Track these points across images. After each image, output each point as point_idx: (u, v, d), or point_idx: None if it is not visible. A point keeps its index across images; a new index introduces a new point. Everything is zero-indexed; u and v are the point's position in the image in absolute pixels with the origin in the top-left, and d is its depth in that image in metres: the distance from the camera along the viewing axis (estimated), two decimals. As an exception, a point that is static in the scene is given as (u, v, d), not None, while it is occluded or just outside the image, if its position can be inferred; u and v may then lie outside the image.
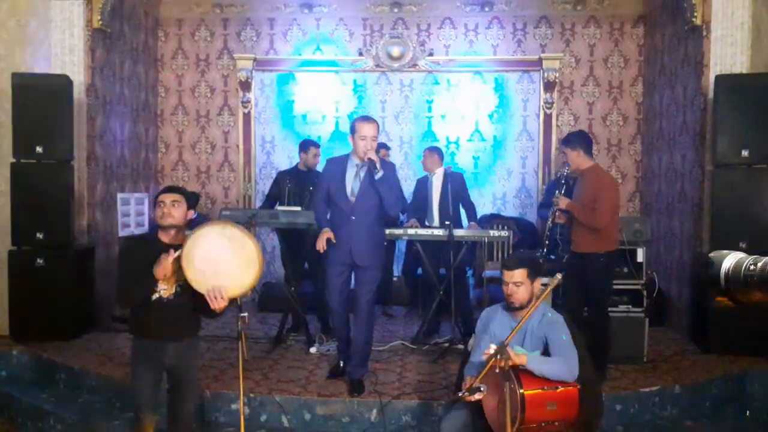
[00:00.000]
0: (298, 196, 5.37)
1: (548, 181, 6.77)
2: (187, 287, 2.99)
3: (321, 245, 4.02)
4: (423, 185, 5.68)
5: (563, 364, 2.81)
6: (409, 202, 5.98)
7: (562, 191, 4.31)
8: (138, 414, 3.12)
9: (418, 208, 5.62)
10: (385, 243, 4.44)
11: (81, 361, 4.67)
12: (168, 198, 3.07)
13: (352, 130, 4.01)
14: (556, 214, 4.31)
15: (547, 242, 4.35)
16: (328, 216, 4.17)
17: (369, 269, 4.07)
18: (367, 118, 4.06)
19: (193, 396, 3.29)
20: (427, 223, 5.46)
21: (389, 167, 4.14)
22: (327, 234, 4.02)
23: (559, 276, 2.63)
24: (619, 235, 4.36)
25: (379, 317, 6.20)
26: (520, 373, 2.74)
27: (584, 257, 4.15)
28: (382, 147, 6.02)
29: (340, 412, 3.97)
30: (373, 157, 3.90)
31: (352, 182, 4.04)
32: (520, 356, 2.80)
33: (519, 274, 2.99)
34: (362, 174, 4.03)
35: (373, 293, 4.11)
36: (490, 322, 3.15)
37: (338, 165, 4.13)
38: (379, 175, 3.90)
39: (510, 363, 2.68)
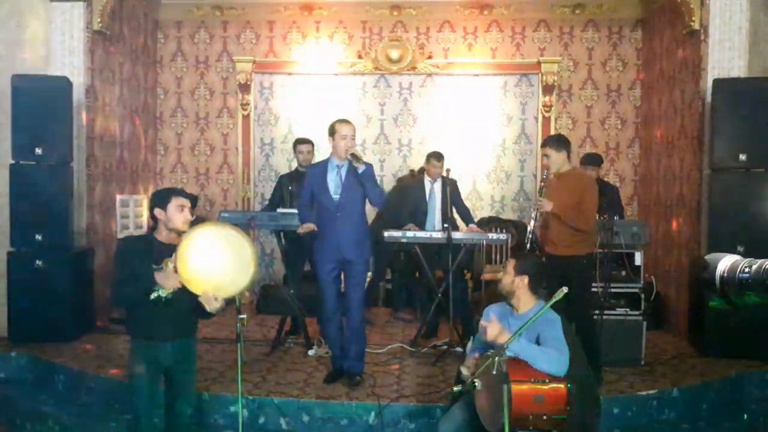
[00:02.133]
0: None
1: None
2: (185, 287, 2.99)
3: (302, 230, 4.31)
4: (417, 190, 5.63)
5: (549, 354, 2.82)
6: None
7: (542, 194, 4.30)
8: (136, 416, 3.13)
9: (414, 214, 5.58)
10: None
11: (79, 362, 4.67)
12: (188, 204, 3.09)
13: (332, 132, 4.23)
14: (536, 217, 4.30)
15: (528, 245, 4.33)
16: (314, 218, 4.35)
17: (357, 264, 4.21)
18: (345, 120, 4.30)
19: (191, 398, 3.29)
20: (427, 229, 5.45)
21: (368, 166, 4.26)
22: (310, 226, 4.25)
23: (565, 289, 2.66)
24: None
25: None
26: (508, 367, 2.75)
27: (566, 259, 4.16)
28: None
29: (339, 415, 3.98)
30: (356, 151, 4.14)
31: (334, 181, 4.22)
32: (503, 334, 2.87)
33: (509, 263, 3.16)
34: (343, 173, 4.21)
35: (362, 287, 4.27)
36: (491, 314, 3.22)
37: (319, 169, 4.33)
38: (361, 168, 4.10)
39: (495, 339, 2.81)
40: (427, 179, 5.61)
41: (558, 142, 4.34)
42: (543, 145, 4.38)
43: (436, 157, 5.58)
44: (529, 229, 4.33)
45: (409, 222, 5.45)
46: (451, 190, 5.40)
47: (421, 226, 5.44)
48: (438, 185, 5.53)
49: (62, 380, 4.61)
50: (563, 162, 4.29)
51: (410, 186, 5.80)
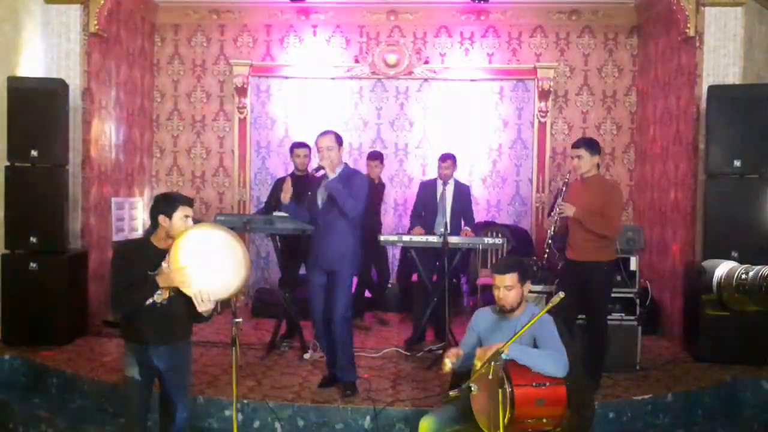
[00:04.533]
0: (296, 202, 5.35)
1: (549, 189, 6.82)
2: (181, 291, 2.99)
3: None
4: (430, 191, 5.62)
5: (548, 357, 2.83)
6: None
7: (563, 198, 4.18)
8: (130, 420, 3.12)
9: (424, 215, 5.58)
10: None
11: (73, 366, 4.65)
12: (191, 213, 3.11)
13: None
14: (557, 221, 4.17)
15: (548, 250, 4.22)
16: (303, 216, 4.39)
17: (338, 274, 4.18)
18: (322, 132, 4.28)
19: (186, 402, 3.28)
20: (435, 231, 5.45)
21: (358, 177, 4.28)
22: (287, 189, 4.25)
23: (561, 294, 2.67)
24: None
25: (375, 325, 6.19)
26: (509, 369, 2.75)
27: (586, 266, 4.11)
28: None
29: (334, 419, 3.97)
30: (322, 163, 4.15)
31: (321, 194, 4.26)
32: (495, 347, 2.84)
33: (510, 279, 3.07)
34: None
35: (344, 299, 4.19)
36: (480, 323, 3.24)
37: (317, 181, 4.34)
38: (330, 177, 4.12)
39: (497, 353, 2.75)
40: (439, 181, 5.62)
41: (592, 145, 4.23)
42: (577, 146, 4.22)
43: (442, 157, 5.59)
44: (549, 233, 4.17)
45: (417, 223, 5.46)
46: (463, 194, 5.46)
47: (430, 227, 5.45)
48: (450, 188, 5.54)
49: (55, 384, 4.59)
50: (592, 166, 4.20)
51: (426, 182, 5.79)
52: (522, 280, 3.09)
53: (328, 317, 4.27)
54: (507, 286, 3.06)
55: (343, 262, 4.20)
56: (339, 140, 4.24)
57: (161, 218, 3.06)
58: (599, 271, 4.13)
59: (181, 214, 3.06)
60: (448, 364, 3.03)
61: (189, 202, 3.14)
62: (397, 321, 6.41)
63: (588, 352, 4.05)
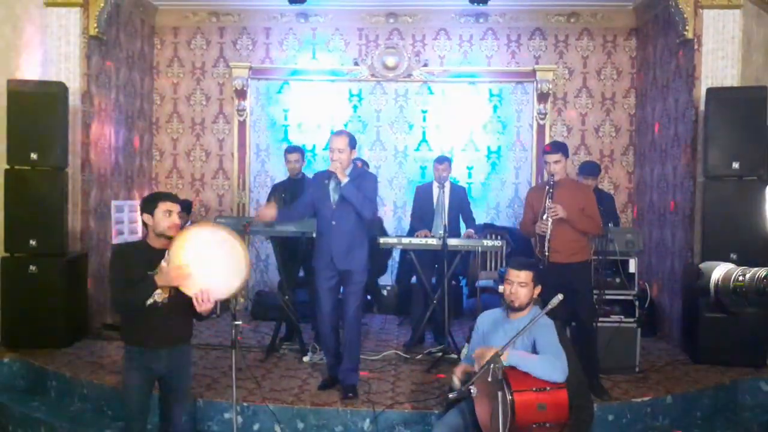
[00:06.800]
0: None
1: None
2: (182, 291, 2.98)
3: (261, 211, 4.24)
4: (427, 194, 5.63)
5: (548, 362, 2.83)
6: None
7: (553, 200, 4.12)
8: (129, 423, 3.11)
9: (423, 218, 5.59)
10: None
11: (73, 369, 4.64)
12: (176, 208, 3.08)
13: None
14: (550, 225, 4.08)
15: (547, 254, 4.08)
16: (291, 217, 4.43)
17: (353, 274, 4.17)
18: (336, 132, 4.25)
19: (186, 404, 3.28)
20: (433, 233, 5.46)
21: (368, 178, 4.29)
22: (269, 213, 4.16)
23: (560, 296, 2.68)
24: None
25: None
26: (508, 375, 2.75)
27: (574, 267, 4.13)
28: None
29: (333, 422, 3.97)
30: (333, 169, 4.10)
31: (334, 190, 4.20)
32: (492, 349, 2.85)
33: (525, 276, 3.09)
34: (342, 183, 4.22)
35: (359, 298, 4.21)
36: (484, 324, 3.25)
37: (322, 177, 4.31)
38: (343, 182, 4.09)
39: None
40: (435, 184, 5.62)
41: (566, 149, 4.32)
42: (555, 151, 4.21)
43: (438, 160, 5.60)
44: (547, 237, 4.07)
45: (419, 227, 5.47)
46: (461, 196, 5.46)
47: (428, 230, 5.45)
48: (447, 190, 5.56)
49: (55, 386, 4.59)
50: (565, 169, 4.28)
51: (422, 186, 5.80)
52: (535, 281, 3.11)
53: (336, 319, 4.26)
54: (521, 283, 3.07)
55: (359, 262, 4.19)
56: (352, 143, 4.19)
57: (145, 217, 3.06)
58: (585, 271, 4.20)
59: (162, 208, 3.02)
60: (456, 382, 3.03)
61: (171, 196, 3.11)
62: (396, 323, 6.41)
63: (582, 354, 4.05)
